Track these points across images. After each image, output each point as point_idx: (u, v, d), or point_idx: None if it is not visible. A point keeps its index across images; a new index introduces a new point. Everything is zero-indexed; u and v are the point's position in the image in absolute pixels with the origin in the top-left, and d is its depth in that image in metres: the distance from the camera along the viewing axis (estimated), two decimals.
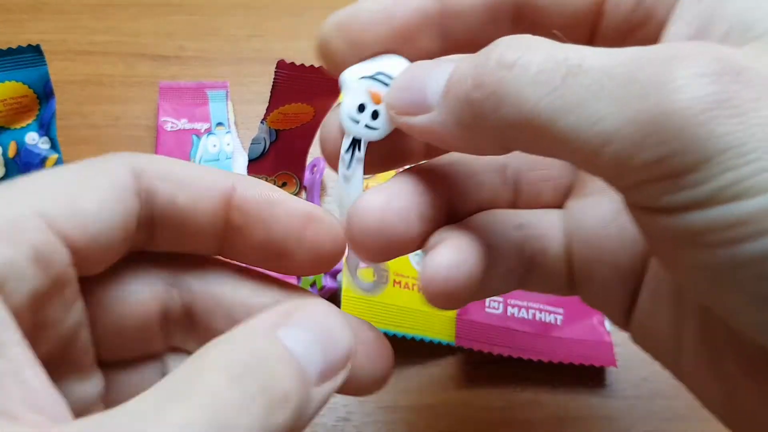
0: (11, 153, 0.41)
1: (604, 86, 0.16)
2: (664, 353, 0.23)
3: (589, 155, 0.17)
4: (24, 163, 0.41)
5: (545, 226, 0.25)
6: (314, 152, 0.44)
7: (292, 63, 0.37)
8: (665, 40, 0.20)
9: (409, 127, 0.21)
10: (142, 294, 0.22)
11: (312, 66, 0.37)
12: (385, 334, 0.38)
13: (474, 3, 0.22)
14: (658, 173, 0.16)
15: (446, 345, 0.39)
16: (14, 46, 0.39)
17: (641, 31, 0.22)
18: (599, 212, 0.24)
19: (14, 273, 0.16)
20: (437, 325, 0.39)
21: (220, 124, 0.46)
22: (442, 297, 0.22)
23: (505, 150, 0.20)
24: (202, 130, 0.46)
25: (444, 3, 0.23)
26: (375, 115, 0.23)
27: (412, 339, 0.38)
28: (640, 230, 0.18)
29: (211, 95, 0.47)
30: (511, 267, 0.24)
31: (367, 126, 0.23)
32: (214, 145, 0.45)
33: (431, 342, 0.39)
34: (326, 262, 0.23)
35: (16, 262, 0.16)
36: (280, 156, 0.43)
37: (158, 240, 0.22)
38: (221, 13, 0.53)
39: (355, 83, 0.23)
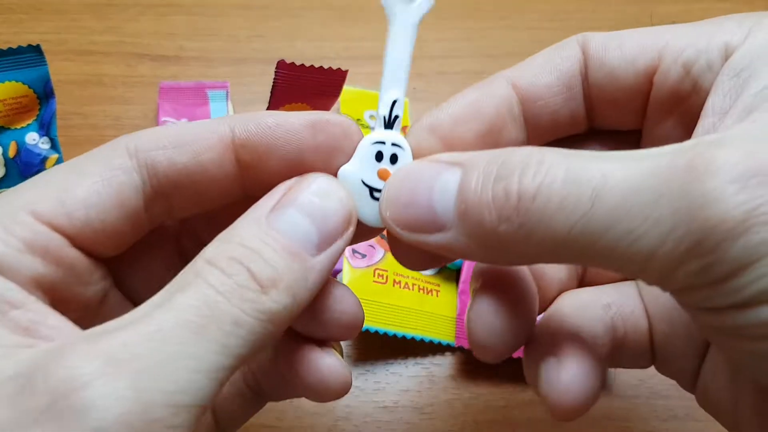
0: (11, 153, 0.41)
1: (633, 204, 0.17)
2: (725, 418, 0.24)
3: (633, 270, 0.18)
4: (24, 163, 0.41)
5: (630, 303, 0.25)
6: None
7: (292, 63, 0.37)
8: (704, 114, 0.21)
9: (425, 245, 0.21)
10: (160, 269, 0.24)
11: (312, 66, 0.37)
12: (386, 335, 0.38)
13: (549, 82, 0.23)
14: (701, 282, 0.17)
15: (446, 345, 0.39)
16: (14, 46, 0.39)
17: (689, 101, 0.22)
18: None
19: (9, 264, 0.19)
20: (437, 326, 0.39)
21: None
22: (573, 412, 0.23)
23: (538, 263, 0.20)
24: None
25: (523, 89, 0.23)
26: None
27: (413, 339, 0.38)
28: (691, 319, 0.19)
29: (212, 95, 0.47)
30: (606, 347, 0.25)
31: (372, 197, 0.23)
32: None
33: (431, 342, 0.39)
34: (344, 152, 0.23)
35: (8, 255, 0.19)
36: None
37: (179, 206, 0.22)
38: (221, 13, 0.53)
39: (366, 148, 0.23)
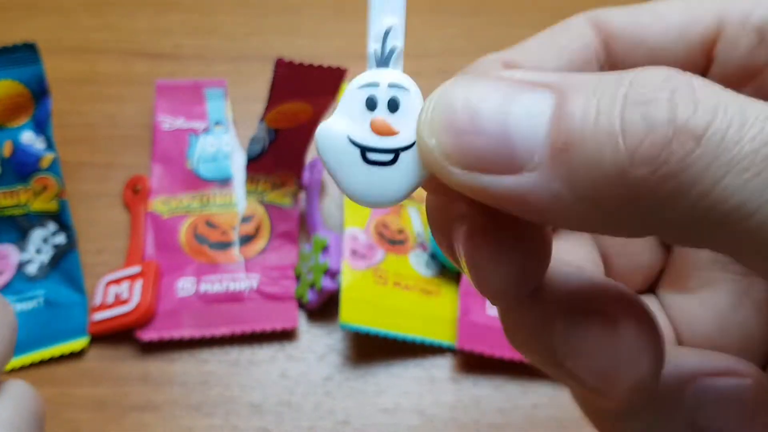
0: (6, 152, 0.40)
1: None
2: None
3: None
4: (19, 163, 0.40)
5: None
6: (314, 151, 0.44)
7: (291, 61, 0.37)
8: None
9: (490, 192, 0.14)
10: None
11: (310, 64, 0.37)
12: (386, 337, 0.38)
13: (558, 68, 0.19)
14: None
15: (447, 347, 0.39)
16: (8, 44, 0.39)
17: (765, 73, 0.18)
18: (713, 310, 0.20)
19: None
20: (438, 328, 0.39)
21: (218, 123, 0.46)
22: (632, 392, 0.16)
23: (647, 236, 0.14)
24: (200, 129, 0.45)
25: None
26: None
27: (413, 341, 0.38)
28: None
29: (209, 94, 0.47)
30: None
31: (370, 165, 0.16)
32: (212, 144, 0.45)
33: (432, 344, 0.38)
34: None
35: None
36: (279, 155, 0.42)
37: None
38: (219, 11, 0.53)
39: (351, 95, 0.17)
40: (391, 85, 0.17)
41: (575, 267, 0.18)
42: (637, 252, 0.21)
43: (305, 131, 0.41)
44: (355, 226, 0.40)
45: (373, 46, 0.18)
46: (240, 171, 0.43)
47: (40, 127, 0.41)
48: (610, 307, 0.16)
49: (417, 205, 0.43)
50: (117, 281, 0.39)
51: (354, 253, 0.39)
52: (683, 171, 0.12)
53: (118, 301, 0.39)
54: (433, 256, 0.41)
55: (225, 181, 0.43)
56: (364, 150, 0.16)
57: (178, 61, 0.50)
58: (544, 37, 0.19)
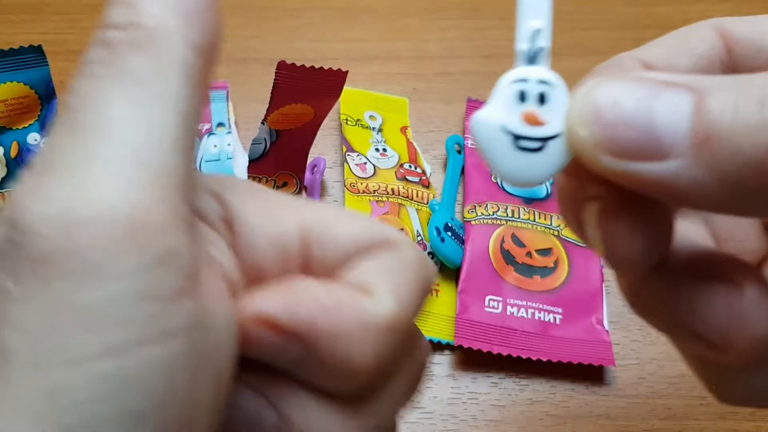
0: (13, 153, 0.41)
1: None
2: None
3: None
4: (26, 164, 0.41)
5: None
6: (314, 152, 0.44)
7: (293, 64, 0.37)
8: None
9: (637, 177, 0.16)
10: None
11: (312, 67, 0.38)
12: None
13: (686, 66, 0.21)
14: None
15: (446, 344, 0.40)
16: (15, 47, 0.40)
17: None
18: None
19: None
20: (437, 325, 0.39)
21: (221, 124, 0.46)
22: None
23: None
24: (203, 131, 0.46)
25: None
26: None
27: None
28: None
29: (212, 95, 0.48)
30: None
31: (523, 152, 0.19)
32: (215, 146, 0.45)
33: (431, 341, 0.39)
34: None
35: None
36: (281, 156, 0.43)
37: None
38: (221, 13, 0.53)
39: (504, 89, 0.19)
40: (540, 81, 0.19)
41: (694, 242, 0.21)
42: (744, 237, 0.23)
43: (307, 132, 0.42)
44: None
45: (523, 45, 0.20)
46: (242, 172, 0.44)
47: (47, 128, 0.42)
48: (733, 273, 0.19)
49: (416, 205, 0.43)
50: None
51: None
52: None
53: None
54: (432, 255, 0.42)
55: None
56: (516, 137, 0.19)
57: None
58: (673, 38, 0.22)
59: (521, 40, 0.20)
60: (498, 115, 0.19)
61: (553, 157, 0.19)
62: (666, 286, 0.19)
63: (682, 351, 0.22)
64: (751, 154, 0.15)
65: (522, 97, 0.19)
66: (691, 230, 0.22)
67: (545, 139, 0.19)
